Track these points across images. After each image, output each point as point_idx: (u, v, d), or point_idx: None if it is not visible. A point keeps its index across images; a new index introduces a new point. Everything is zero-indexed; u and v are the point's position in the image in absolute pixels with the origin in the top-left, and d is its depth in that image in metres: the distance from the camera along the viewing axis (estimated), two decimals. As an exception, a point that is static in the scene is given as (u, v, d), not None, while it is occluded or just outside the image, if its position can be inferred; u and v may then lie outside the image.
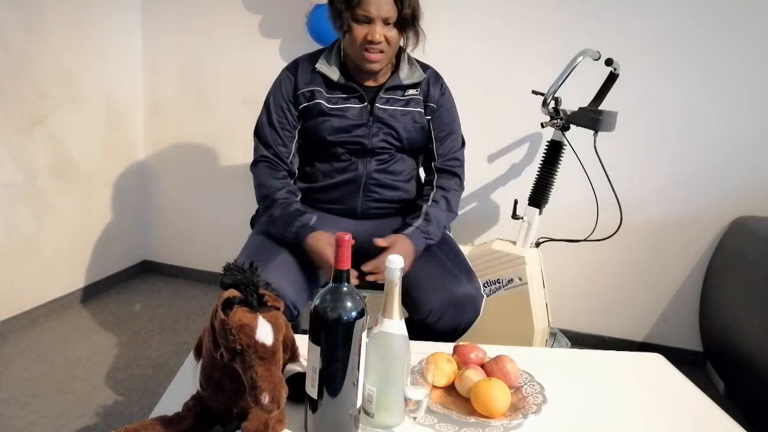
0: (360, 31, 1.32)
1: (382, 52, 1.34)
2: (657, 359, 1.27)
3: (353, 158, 1.44)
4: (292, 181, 1.47)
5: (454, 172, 1.52)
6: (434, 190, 1.49)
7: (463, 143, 1.56)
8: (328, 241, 1.28)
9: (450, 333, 1.33)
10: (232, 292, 0.81)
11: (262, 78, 2.35)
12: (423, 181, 1.59)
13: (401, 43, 1.43)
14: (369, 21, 1.31)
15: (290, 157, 1.45)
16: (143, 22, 2.50)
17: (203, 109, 2.51)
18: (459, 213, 2.25)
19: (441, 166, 1.51)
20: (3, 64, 1.90)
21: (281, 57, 2.32)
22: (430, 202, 1.46)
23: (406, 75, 1.45)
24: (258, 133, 1.46)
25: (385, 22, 1.31)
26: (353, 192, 1.47)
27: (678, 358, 1.46)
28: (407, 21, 1.35)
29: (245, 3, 2.34)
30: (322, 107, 1.40)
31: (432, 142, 1.51)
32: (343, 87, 1.42)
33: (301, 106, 1.42)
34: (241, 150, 2.46)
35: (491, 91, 2.14)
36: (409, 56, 1.48)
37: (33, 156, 2.06)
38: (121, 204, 2.54)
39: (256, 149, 1.46)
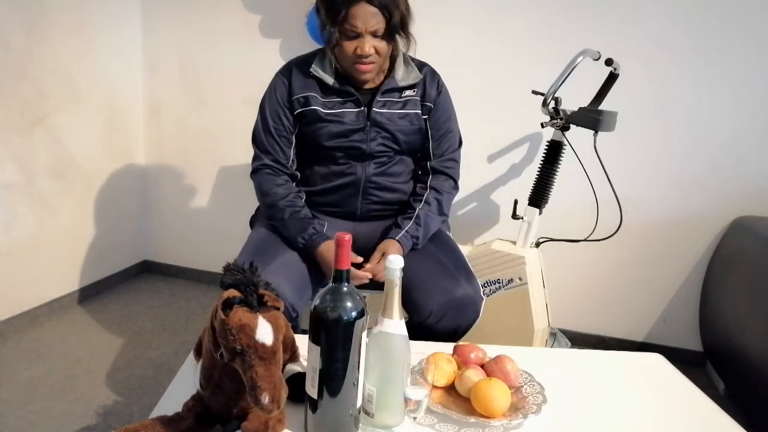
0: (349, 46, 1.30)
1: (372, 63, 1.33)
2: (657, 359, 1.27)
3: (351, 162, 1.43)
4: (295, 185, 1.46)
5: (449, 174, 1.51)
6: (427, 191, 1.48)
7: (461, 143, 1.54)
8: None
9: (450, 334, 1.33)
10: (232, 292, 0.81)
11: (261, 78, 2.35)
12: (417, 179, 1.56)
13: (394, 48, 1.40)
14: (357, 35, 1.29)
15: (290, 162, 1.45)
16: (143, 22, 2.50)
17: (203, 109, 2.51)
18: (459, 213, 2.26)
19: (437, 166, 1.49)
20: (3, 64, 1.90)
21: (281, 57, 2.32)
22: (422, 205, 1.45)
23: (402, 76, 1.43)
24: (255, 140, 1.45)
25: (374, 34, 1.29)
26: (352, 195, 1.46)
27: (678, 358, 1.47)
28: (396, 30, 1.32)
29: (245, 3, 2.34)
30: (318, 113, 1.38)
31: (428, 141, 1.49)
32: (338, 91, 1.40)
33: (296, 112, 1.41)
34: (241, 150, 2.46)
35: (491, 91, 2.14)
36: (404, 56, 1.45)
37: (33, 156, 2.06)
38: (121, 204, 2.54)
39: (255, 158, 1.45)
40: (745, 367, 1.67)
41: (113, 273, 2.55)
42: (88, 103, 2.28)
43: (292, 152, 1.45)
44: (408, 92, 1.44)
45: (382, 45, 1.32)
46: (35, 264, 2.13)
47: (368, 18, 1.26)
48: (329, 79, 1.39)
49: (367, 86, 1.43)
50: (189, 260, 2.71)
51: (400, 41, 1.38)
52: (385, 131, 1.41)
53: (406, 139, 1.44)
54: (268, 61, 2.31)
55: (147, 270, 2.78)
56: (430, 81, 1.47)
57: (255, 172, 1.45)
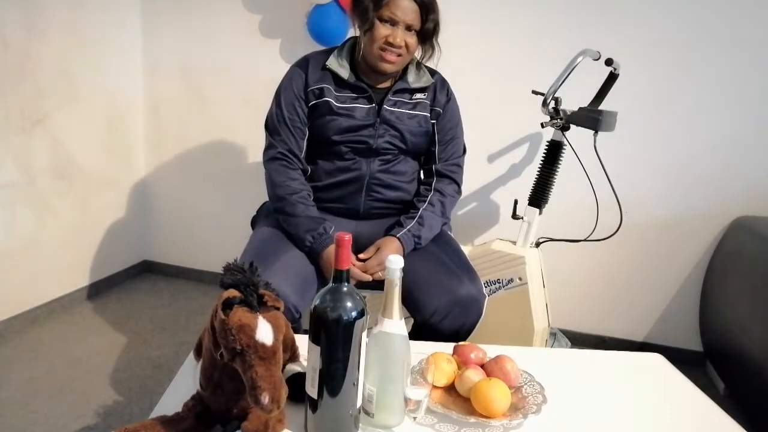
0: (382, 30, 1.34)
1: (399, 56, 1.37)
2: (657, 359, 1.27)
3: (357, 157, 1.45)
4: (304, 180, 1.47)
5: (453, 179, 1.54)
6: (432, 193, 1.50)
7: (465, 150, 1.58)
8: None
9: (454, 334, 1.33)
10: (232, 292, 0.81)
11: (261, 78, 2.35)
12: (421, 181, 1.59)
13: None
14: (393, 23, 1.34)
15: (302, 154, 1.46)
16: (143, 22, 2.50)
17: (203, 109, 2.51)
18: (459, 213, 2.26)
19: (441, 170, 1.53)
20: (3, 64, 1.90)
21: (281, 57, 2.32)
22: (426, 205, 1.47)
23: (413, 79, 1.47)
24: (270, 128, 1.46)
25: (408, 28, 1.35)
26: (356, 191, 1.47)
27: (678, 358, 1.46)
28: (428, 34, 1.38)
29: (245, 3, 2.34)
30: (330, 105, 1.41)
31: (434, 145, 1.52)
32: (352, 86, 1.43)
33: (310, 104, 1.43)
34: (242, 149, 2.45)
35: (491, 91, 2.14)
36: (417, 61, 1.49)
37: (33, 156, 2.06)
38: (121, 204, 2.54)
39: (269, 146, 1.46)
40: (745, 367, 1.67)
41: (113, 273, 2.55)
42: (88, 103, 2.28)
43: (304, 144, 1.46)
44: (419, 95, 1.48)
45: (412, 41, 1.37)
46: (35, 264, 2.13)
47: (408, 10, 1.33)
48: (344, 73, 1.42)
49: (380, 86, 1.46)
50: (189, 260, 2.71)
51: (427, 49, 1.43)
52: (393, 129, 1.44)
53: (413, 139, 1.47)
54: (268, 61, 2.31)
55: (147, 270, 2.77)
56: (440, 87, 1.51)
57: (269, 161, 1.45)
